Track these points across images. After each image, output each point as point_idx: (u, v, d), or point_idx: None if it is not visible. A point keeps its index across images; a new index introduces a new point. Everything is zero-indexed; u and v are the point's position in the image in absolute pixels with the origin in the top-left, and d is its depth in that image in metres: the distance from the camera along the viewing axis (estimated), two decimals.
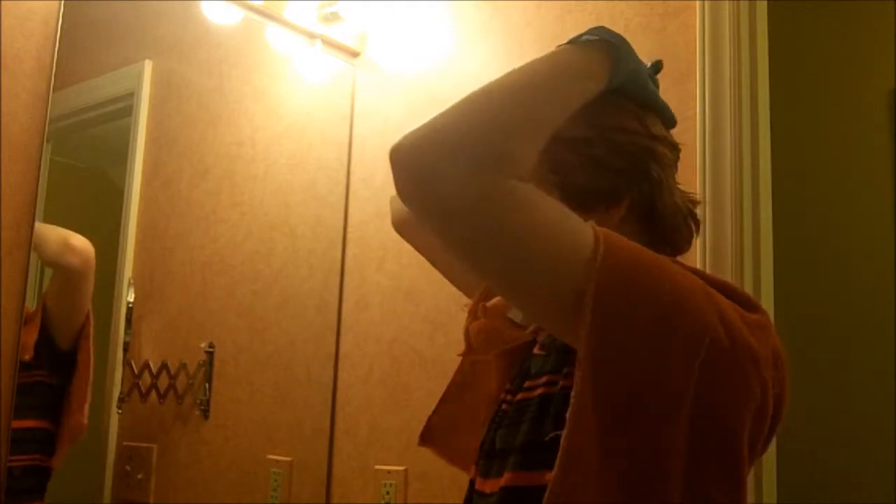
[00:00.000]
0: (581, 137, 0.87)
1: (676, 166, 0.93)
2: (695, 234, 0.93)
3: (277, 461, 1.85)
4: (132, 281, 1.70)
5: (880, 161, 2.18)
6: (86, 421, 1.57)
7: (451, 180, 0.72)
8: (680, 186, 0.93)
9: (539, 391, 0.86)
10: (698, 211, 0.95)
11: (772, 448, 1.33)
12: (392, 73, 1.97)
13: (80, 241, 1.56)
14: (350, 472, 1.85)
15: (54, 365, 1.53)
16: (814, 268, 1.98)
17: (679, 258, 0.88)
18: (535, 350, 0.93)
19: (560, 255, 0.72)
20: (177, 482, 1.76)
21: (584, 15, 1.65)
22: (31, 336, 1.49)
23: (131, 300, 1.69)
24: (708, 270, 1.39)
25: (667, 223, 0.89)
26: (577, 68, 0.84)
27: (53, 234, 1.54)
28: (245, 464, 1.85)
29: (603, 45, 0.85)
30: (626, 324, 0.70)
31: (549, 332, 0.89)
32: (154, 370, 1.71)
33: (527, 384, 0.89)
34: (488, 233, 0.73)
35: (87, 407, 1.57)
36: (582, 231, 0.73)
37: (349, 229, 1.98)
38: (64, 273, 1.57)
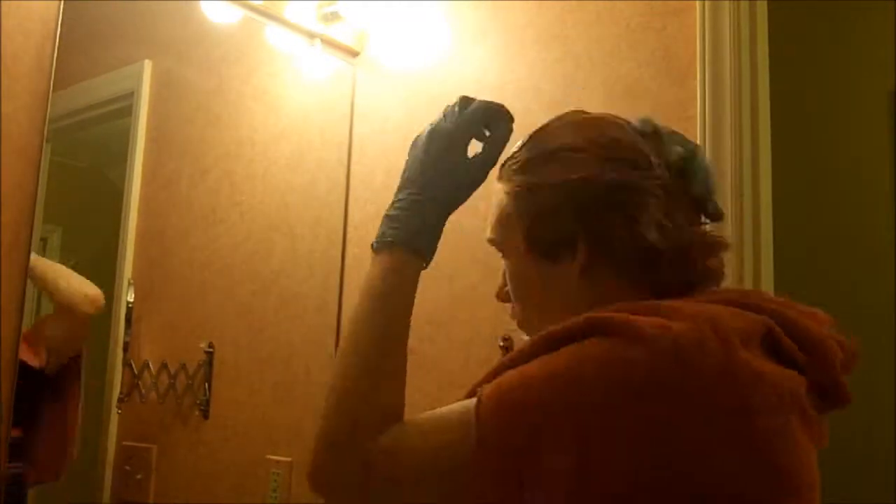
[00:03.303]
0: (526, 184, 0.86)
1: (670, 197, 0.82)
2: (695, 277, 0.83)
3: (277, 461, 1.85)
4: (132, 281, 1.70)
5: (880, 161, 2.18)
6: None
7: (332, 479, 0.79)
8: (690, 224, 0.84)
9: None
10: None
11: None
12: (392, 72, 1.97)
13: (95, 293, 1.62)
14: None
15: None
16: (814, 268, 1.98)
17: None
18: None
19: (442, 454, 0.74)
20: (177, 482, 1.76)
21: (584, 14, 1.65)
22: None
23: (131, 300, 1.69)
24: None
25: (632, 261, 0.81)
26: (382, 287, 0.86)
27: (69, 283, 1.60)
28: (245, 464, 1.85)
29: (387, 247, 0.87)
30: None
31: None
32: (154, 370, 1.71)
33: None
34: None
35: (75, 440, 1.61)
36: (454, 419, 0.74)
37: (349, 229, 1.98)
38: (74, 317, 1.61)
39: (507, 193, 0.88)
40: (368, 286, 0.85)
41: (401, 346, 0.84)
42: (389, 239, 0.86)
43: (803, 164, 1.93)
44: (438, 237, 0.88)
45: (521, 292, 0.89)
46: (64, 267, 1.61)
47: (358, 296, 0.86)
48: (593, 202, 0.81)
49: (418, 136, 0.90)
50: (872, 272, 2.10)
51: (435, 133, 0.89)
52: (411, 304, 0.87)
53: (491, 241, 0.91)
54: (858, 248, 2.10)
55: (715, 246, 0.84)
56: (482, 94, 1.79)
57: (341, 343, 0.85)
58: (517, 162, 0.88)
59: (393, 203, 0.89)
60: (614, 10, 1.60)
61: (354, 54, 2.03)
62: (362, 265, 1.93)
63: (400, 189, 0.89)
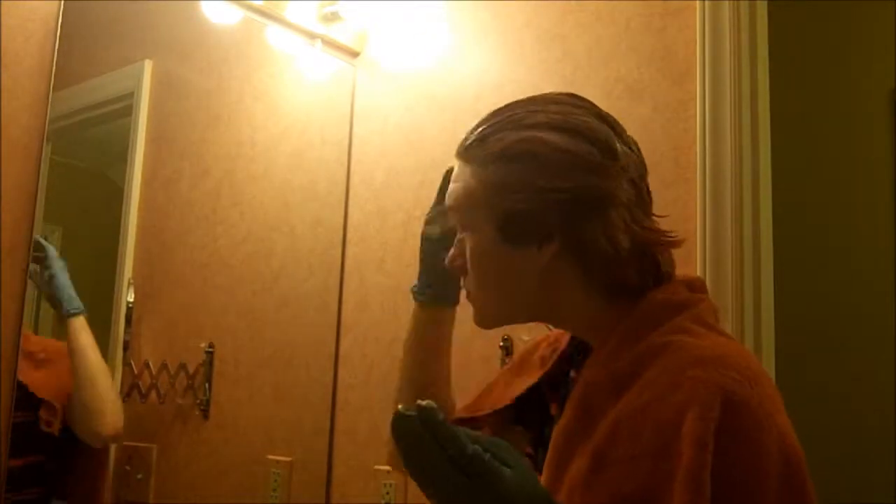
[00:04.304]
0: (503, 182, 0.86)
1: (640, 200, 0.87)
2: (650, 278, 0.87)
3: (277, 461, 1.85)
4: (132, 281, 1.70)
5: (880, 161, 2.18)
6: None
7: None
8: (653, 225, 0.88)
9: None
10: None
11: None
12: (392, 72, 1.97)
13: (110, 432, 1.59)
14: (350, 472, 1.85)
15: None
16: (814, 268, 1.98)
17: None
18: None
19: None
20: (177, 482, 1.76)
21: (584, 15, 1.65)
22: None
23: (131, 300, 1.69)
24: (708, 271, 1.39)
25: (600, 263, 0.85)
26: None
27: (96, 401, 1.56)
28: (245, 464, 1.85)
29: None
30: None
31: None
32: (154, 370, 1.71)
33: None
34: None
35: None
36: None
37: (349, 229, 1.98)
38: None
39: (478, 179, 0.87)
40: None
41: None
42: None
43: (803, 164, 1.93)
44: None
45: (480, 268, 0.90)
46: (107, 380, 1.58)
47: None
48: (573, 210, 0.84)
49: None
50: (872, 272, 2.10)
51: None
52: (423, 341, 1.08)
53: (451, 210, 0.92)
54: (858, 248, 2.10)
55: (669, 244, 0.89)
56: (482, 94, 1.79)
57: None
58: (490, 149, 0.86)
59: None
60: (614, 10, 1.60)
61: (354, 54, 2.03)
62: (362, 265, 1.93)
63: None
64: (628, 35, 1.58)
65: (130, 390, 1.68)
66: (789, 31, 1.74)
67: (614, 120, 0.89)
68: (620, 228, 0.84)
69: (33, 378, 1.46)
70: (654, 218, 0.90)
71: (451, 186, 0.91)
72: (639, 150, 0.89)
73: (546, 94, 0.91)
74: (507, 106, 0.90)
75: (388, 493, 1.75)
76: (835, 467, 1.87)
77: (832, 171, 2.11)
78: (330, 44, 1.99)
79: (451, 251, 0.93)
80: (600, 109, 0.89)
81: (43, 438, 1.49)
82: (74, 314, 1.54)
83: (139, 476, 1.68)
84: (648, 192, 0.90)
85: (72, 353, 1.53)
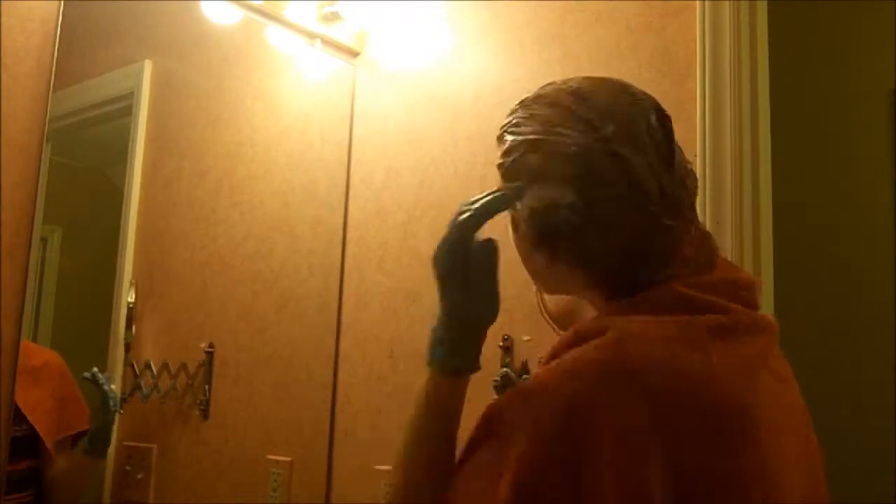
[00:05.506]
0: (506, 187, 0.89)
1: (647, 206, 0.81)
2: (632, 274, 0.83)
3: (277, 461, 1.85)
4: (132, 281, 1.70)
5: (880, 161, 2.18)
6: None
7: None
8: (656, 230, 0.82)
9: None
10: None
11: None
12: (392, 72, 1.97)
13: None
14: (350, 472, 1.85)
15: None
16: (814, 268, 1.98)
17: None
18: None
19: None
20: (177, 482, 1.76)
21: (584, 15, 1.65)
22: None
23: (131, 300, 1.69)
24: None
25: (583, 270, 0.85)
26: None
27: None
28: (245, 464, 1.85)
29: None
30: None
31: None
32: (155, 370, 1.71)
33: None
34: None
35: None
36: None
37: (349, 229, 1.98)
38: None
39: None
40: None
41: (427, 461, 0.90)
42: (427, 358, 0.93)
43: (803, 165, 1.93)
44: (470, 348, 0.92)
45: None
46: None
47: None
48: (553, 228, 0.84)
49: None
50: (872, 272, 2.10)
51: (438, 247, 0.87)
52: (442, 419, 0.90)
53: None
54: (858, 249, 2.10)
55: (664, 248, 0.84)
56: (482, 94, 1.79)
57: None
58: (502, 158, 0.89)
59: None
60: (614, 11, 1.60)
61: (354, 54, 2.03)
62: (362, 265, 1.93)
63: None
64: (628, 35, 1.58)
65: (132, 390, 1.68)
66: (789, 31, 1.74)
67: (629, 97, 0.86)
68: (610, 245, 0.82)
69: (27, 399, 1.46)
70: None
71: None
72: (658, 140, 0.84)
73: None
74: None
75: (388, 493, 1.75)
76: (835, 467, 1.87)
77: (832, 170, 2.11)
78: (330, 44, 1.99)
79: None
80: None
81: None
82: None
83: (139, 476, 1.68)
84: (662, 189, 0.82)
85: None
